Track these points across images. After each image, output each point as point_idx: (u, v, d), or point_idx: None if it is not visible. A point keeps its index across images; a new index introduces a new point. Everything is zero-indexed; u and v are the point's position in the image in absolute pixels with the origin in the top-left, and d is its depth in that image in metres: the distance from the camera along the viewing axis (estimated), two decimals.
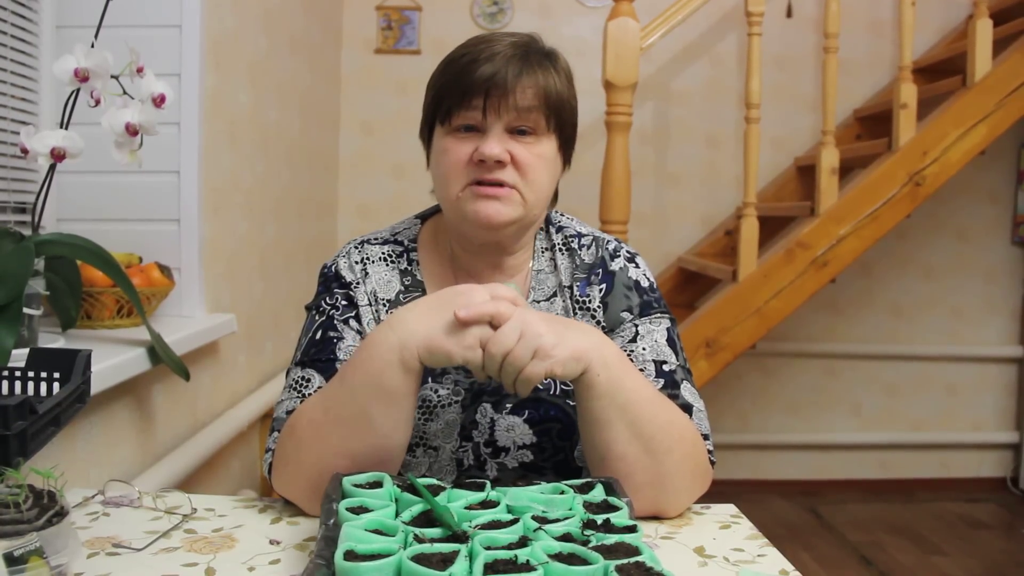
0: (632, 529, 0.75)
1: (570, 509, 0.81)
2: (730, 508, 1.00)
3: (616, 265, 1.09)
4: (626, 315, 1.06)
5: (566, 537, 0.73)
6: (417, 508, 0.79)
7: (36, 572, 0.66)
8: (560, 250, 1.11)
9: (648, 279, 1.11)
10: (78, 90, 1.13)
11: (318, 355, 1.02)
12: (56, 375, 0.93)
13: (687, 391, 1.02)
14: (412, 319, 0.89)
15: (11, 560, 0.65)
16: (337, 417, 0.90)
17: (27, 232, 1.18)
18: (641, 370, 1.00)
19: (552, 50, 1.04)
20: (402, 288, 1.09)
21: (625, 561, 0.68)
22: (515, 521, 0.76)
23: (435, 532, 0.74)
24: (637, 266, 1.11)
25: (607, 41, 2.37)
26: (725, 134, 3.46)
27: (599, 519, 0.77)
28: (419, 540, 0.72)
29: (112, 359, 1.22)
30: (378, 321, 1.06)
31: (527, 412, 1.03)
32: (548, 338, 0.87)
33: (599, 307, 1.07)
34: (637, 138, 3.09)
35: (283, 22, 2.38)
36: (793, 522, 3.25)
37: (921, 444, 3.66)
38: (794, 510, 3.38)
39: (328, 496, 0.80)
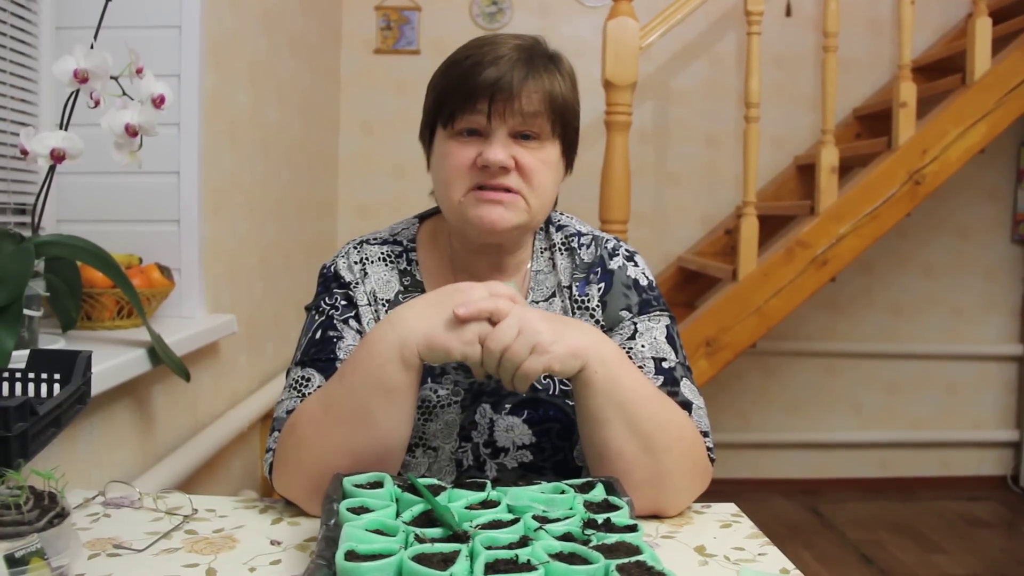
0: (633, 528, 0.75)
1: (571, 508, 0.81)
2: (731, 507, 1.00)
3: (615, 264, 1.09)
4: (625, 313, 1.06)
5: (567, 536, 0.73)
6: (418, 508, 0.79)
7: (37, 573, 0.66)
8: (559, 250, 1.11)
9: (647, 277, 1.11)
10: (78, 91, 1.13)
11: (318, 355, 1.02)
12: (56, 376, 0.94)
13: (687, 388, 1.02)
14: (411, 316, 0.89)
15: (12, 561, 0.65)
16: (338, 415, 0.90)
17: (27, 233, 1.18)
18: (640, 368, 1.00)
19: (556, 53, 1.04)
20: (401, 288, 1.09)
21: (626, 560, 0.68)
22: (516, 521, 0.77)
23: (436, 532, 0.75)
24: (636, 264, 1.11)
25: (606, 40, 2.38)
26: (725, 133, 3.46)
27: (600, 518, 0.77)
28: (420, 540, 0.72)
29: (112, 360, 1.22)
30: (378, 321, 1.06)
31: (526, 412, 1.03)
32: (546, 335, 0.87)
33: (598, 306, 1.07)
34: (637, 137, 3.10)
35: (282, 22, 2.38)
36: (794, 521, 3.25)
37: (921, 442, 3.66)
38: (795, 509, 3.38)
39: (329, 496, 0.80)
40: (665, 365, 1.03)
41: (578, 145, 1.08)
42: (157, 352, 1.32)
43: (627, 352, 1.01)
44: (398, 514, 0.79)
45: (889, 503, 3.46)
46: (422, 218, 1.16)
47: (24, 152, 1.09)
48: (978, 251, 3.62)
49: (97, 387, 1.10)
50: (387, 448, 0.91)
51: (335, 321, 1.05)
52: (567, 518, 0.77)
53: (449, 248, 1.11)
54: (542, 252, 1.12)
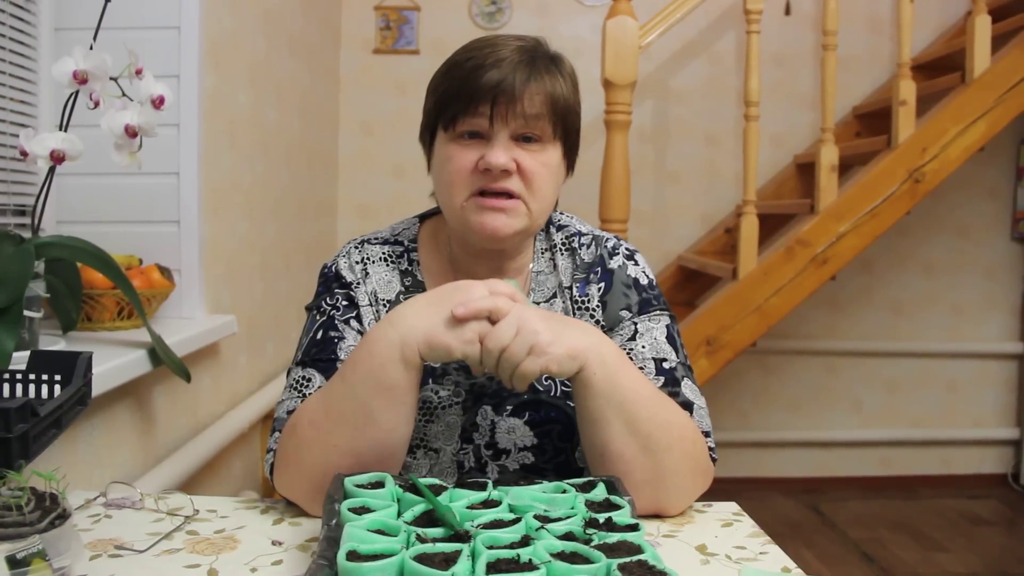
0: (634, 527, 0.75)
1: (572, 508, 0.81)
2: (732, 506, 1.00)
3: (615, 263, 1.09)
4: (625, 313, 1.06)
5: (568, 536, 0.73)
6: (419, 508, 0.79)
7: (39, 574, 0.66)
8: (560, 250, 1.11)
9: (647, 276, 1.10)
10: (77, 92, 1.13)
11: (319, 355, 1.02)
12: (57, 377, 0.93)
13: (688, 388, 1.02)
14: (412, 315, 0.89)
15: (14, 563, 0.65)
16: (339, 414, 0.90)
17: (27, 235, 1.18)
18: (641, 368, 1.00)
19: (557, 54, 1.03)
20: (402, 288, 1.09)
21: (627, 560, 0.68)
22: (517, 520, 0.77)
23: (437, 532, 0.75)
24: (636, 263, 1.10)
25: (606, 40, 2.38)
26: (724, 132, 3.46)
27: (601, 518, 0.77)
28: (421, 540, 0.72)
29: (113, 361, 1.22)
30: (378, 321, 1.06)
31: (528, 414, 1.03)
32: (544, 335, 0.87)
33: (598, 306, 1.07)
34: (636, 136, 3.10)
35: (282, 23, 2.38)
36: (795, 519, 3.26)
37: (922, 441, 3.66)
38: (795, 507, 3.38)
39: (330, 496, 0.80)
40: (666, 365, 1.02)
41: (579, 146, 1.08)
42: (157, 353, 1.32)
43: (628, 353, 1.01)
44: (399, 514, 0.79)
45: (890, 501, 3.46)
46: (423, 218, 1.16)
47: (24, 153, 1.09)
48: (978, 249, 3.62)
49: (98, 388, 1.10)
50: (388, 448, 0.91)
51: (336, 321, 1.05)
52: (568, 517, 0.77)
53: (449, 249, 1.11)
54: (543, 253, 1.12)
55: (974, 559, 2.89)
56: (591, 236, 1.12)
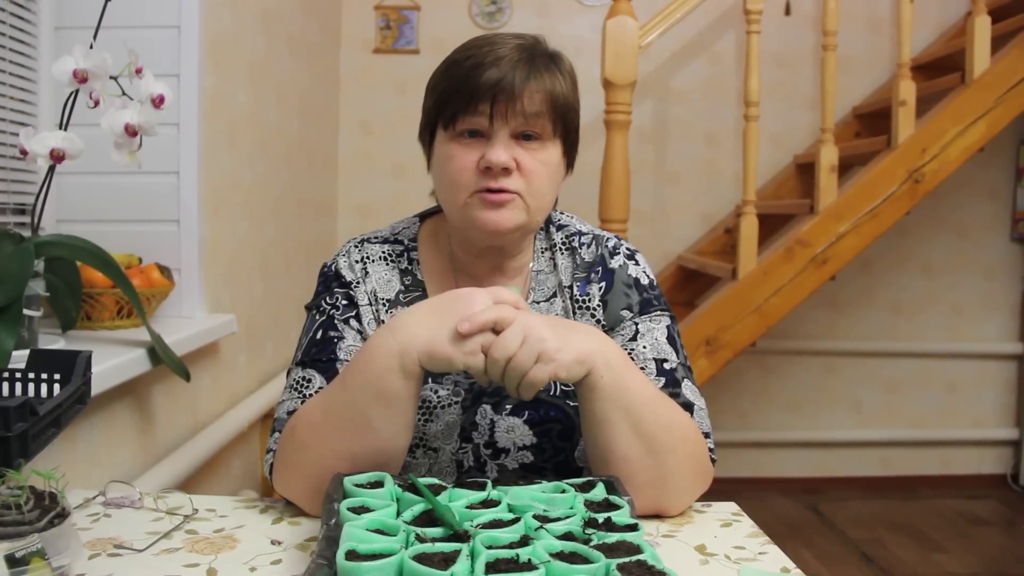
0: (633, 527, 0.75)
1: (571, 508, 0.81)
2: (731, 506, 1.00)
3: (615, 263, 1.09)
4: (626, 313, 1.06)
5: (567, 536, 0.73)
6: (418, 508, 0.79)
7: (38, 573, 0.66)
8: (560, 249, 1.11)
9: (648, 276, 1.10)
10: (77, 91, 1.13)
11: (319, 355, 1.02)
12: (56, 376, 0.94)
13: (688, 389, 1.02)
14: (413, 324, 0.89)
15: (13, 561, 0.65)
16: (337, 421, 0.90)
17: (27, 233, 1.18)
18: (642, 368, 1.00)
19: (557, 52, 1.03)
20: (402, 288, 1.09)
21: (626, 559, 0.68)
22: (516, 520, 0.77)
23: (436, 531, 0.75)
24: (637, 263, 1.10)
25: (606, 40, 2.37)
26: (724, 132, 3.46)
27: (600, 518, 0.77)
28: (420, 540, 0.72)
29: (112, 360, 1.22)
30: (378, 321, 1.06)
31: (527, 413, 1.03)
32: (551, 342, 0.86)
33: (599, 306, 1.07)
34: (636, 136, 3.10)
35: (282, 22, 2.38)
36: (794, 520, 3.26)
37: (921, 441, 3.66)
38: (795, 508, 3.38)
39: (329, 496, 0.80)
40: (666, 366, 1.02)
41: (579, 145, 1.08)
42: (157, 352, 1.32)
43: (629, 353, 1.01)
44: (399, 514, 0.79)
45: (889, 502, 3.46)
46: (423, 217, 1.16)
47: (24, 152, 1.09)
48: (978, 249, 3.62)
49: (97, 387, 1.09)
50: (386, 453, 0.90)
51: (336, 321, 1.05)
52: (568, 517, 0.77)
53: (449, 249, 1.11)
54: (543, 252, 1.12)
55: (973, 559, 2.89)
56: (591, 235, 1.12)
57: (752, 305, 2.57)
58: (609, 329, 1.06)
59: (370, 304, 1.07)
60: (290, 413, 0.99)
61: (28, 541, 0.67)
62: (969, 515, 3.33)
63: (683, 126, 3.48)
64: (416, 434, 1.03)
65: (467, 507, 0.80)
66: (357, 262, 1.09)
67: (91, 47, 1.11)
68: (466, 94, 0.97)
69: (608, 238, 1.12)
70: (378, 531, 0.73)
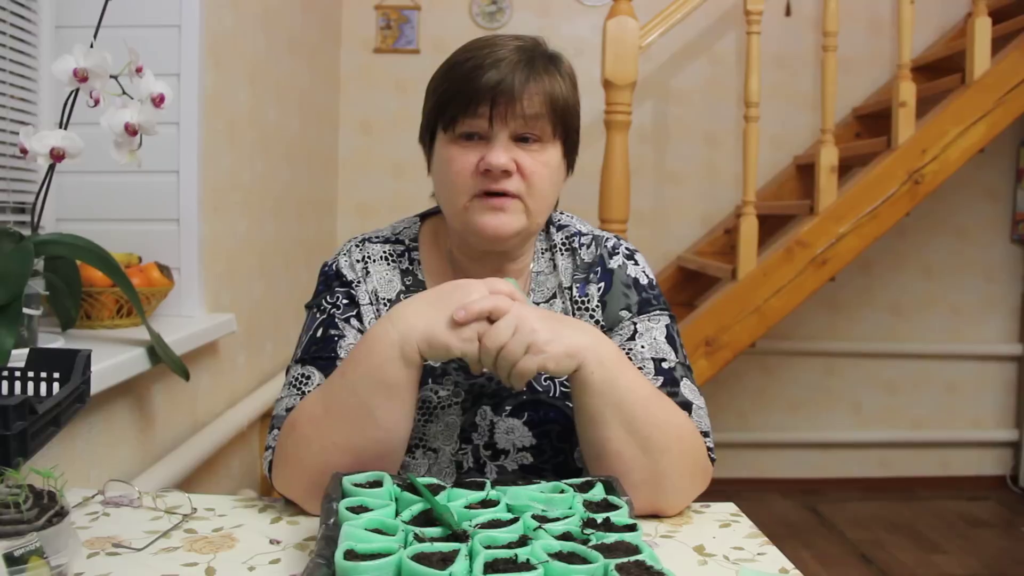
0: (632, 528, 0.75)
1: (570, 508, 0.81)
2: (730, 507, 1.00)
3: (615, 263, 1.09)
4: (625, 313, 1.06)
5: (566, 536, 0.73)
6: (417, 507, 0.79)
7: (36, 572, 0.66)
8: (560, 250, 1.11)
9: (647, 276, 1.10)
10: (77, 90, 1.13)
11: (319, 353, 1.02)
12: (56, 375, 0.94)
13: (687, 388, 1.02)
14: (412, 313, 0.90)
15: (11, 560, 0.65)
16: (338, 412, 0.90)
17: (26, 232, 1.18)
18: (640, 368, 1.00)
19: (556, 53, 1.03)
20: (403, 287, 1.09)
21: (625, 560, 0.68)
22: (515, 520, 0.77)
23: (435, 531, 0.75)
24: (636, 263, 1.10)
25: (606, 40, 2.37)
26: (724, 133, 3.46)
27: (599, 518, 0.77)
28: (419, 539, 0.72)
29: (112, 359, 1.22)
30: (378, 319, 1.06)
31: (527, 414, 1.03)
32: (542, 334, 0.87)
33: (598, 306, 1.07)
34: (636, 137, 3.09)
35: (282, 22, 2.38)
36: (793, 521, 3.26)
37: (921, 442, 3.66)
38: (794, 509, 3.38)
39: (328, 495, 0.80)
40: (665, 365, 1.02)
41: (579, 146, 1.08)
42: (156, 351, 1.32)
43: (627, 352, 1.01)
44: (397, 513, 0.79)
45: (888, 503, 3.46)
46: (424, 217, 1.16)
47: (24, 151, 1.09)
48: (977, 251, 3.62)
49: (96, 386, 1.10)
50: (387, 446, 0.91)
51: (336, 319, 1.05)
52: (566, 517, 0.77)
53: (449, 250, 1.10)
54: (543, 253, 1.12)
55: (972, 561, 2.89)
56: (591, 236, 1.12)
57: (752, 306, 2.57)
58: (608, 329, 1.06)
59: (371, 303, 1.07)
60: (289, 410, 0.99)
61: (27, 540, 0.67)
62: (968, 516, 3.33)
63: (683, 126, 3.48)
64: (416, 434, 1.03)
65: (466, 507, 0.80)
66: (358, 261, 1.09)
67: (91, 46, 1.11)
68: (466, 96, 0.97)
69: (607, 238, 1.12)
70: (377, 531, 0.73)
